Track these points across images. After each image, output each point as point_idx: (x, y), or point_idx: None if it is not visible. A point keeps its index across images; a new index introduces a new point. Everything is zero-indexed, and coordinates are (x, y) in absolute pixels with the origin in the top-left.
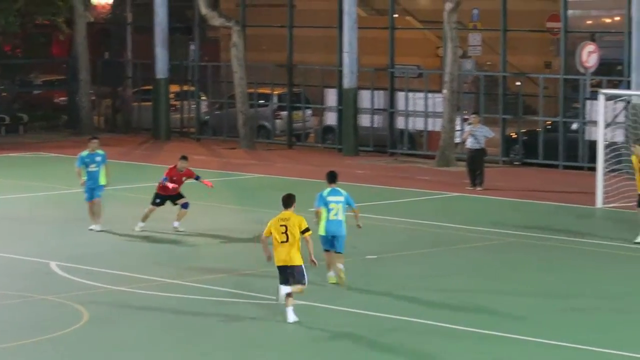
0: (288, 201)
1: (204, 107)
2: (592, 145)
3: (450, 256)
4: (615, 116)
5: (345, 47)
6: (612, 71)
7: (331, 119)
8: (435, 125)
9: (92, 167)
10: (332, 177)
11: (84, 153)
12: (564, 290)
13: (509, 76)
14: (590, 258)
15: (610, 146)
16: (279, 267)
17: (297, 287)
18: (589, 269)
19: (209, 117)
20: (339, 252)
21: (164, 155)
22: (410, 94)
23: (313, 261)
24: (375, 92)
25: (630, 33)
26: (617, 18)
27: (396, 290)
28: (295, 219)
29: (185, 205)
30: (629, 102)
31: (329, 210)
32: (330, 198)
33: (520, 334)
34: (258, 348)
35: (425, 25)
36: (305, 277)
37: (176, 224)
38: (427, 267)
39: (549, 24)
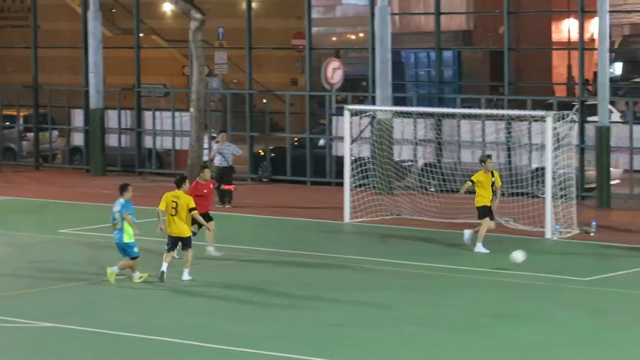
0: (180, 182)
1: None
2: (339, 160)
3: (200, 274)
4: (361, 132)
5: (91, 67)
6: (357, 87)
7: (78, 139)
8: (183, 144)
9: None
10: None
11: None
12: (316, 306)
13: (255, 94)
14: (340, 272)
15: (357, 161)
16: (171, 237)
17: (188, 254)
18: (340, 284)
19: None
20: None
21: None
22: (158, 113)
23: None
24: (123, 111)
25: (374, 49)
26: (361, 34)
27: (153, 310)
28: (184, 199)
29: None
30: (374, 118)
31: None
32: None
33: (275, 350)
34: None
35: (171, 44)
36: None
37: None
38: (168, 285)
39: (294, 42)
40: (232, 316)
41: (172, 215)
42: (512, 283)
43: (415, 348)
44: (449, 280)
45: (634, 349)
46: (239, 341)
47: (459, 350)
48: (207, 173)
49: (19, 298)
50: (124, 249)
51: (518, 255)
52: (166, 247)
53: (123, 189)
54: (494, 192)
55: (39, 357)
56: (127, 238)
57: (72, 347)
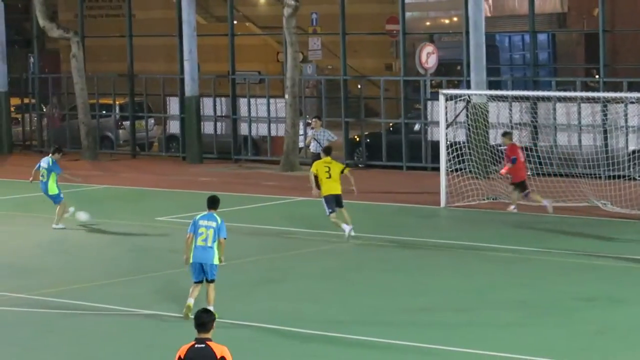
0: (328, 150)
1: (47, 119)
2: (435, 145)
3: (298, 260)
4: (456, 116)
5: (186, 55)
6: (451, 71)
7: (174, 127)
8: (279, 130)
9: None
10: (210, 203)
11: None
12: (406, 290)
13: (350, 79)
14: (436, 257)
15: (453, 146)
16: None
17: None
18: (434, 268)
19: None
20: (210, 281)
21: (6, 169)
22: (253, 100)
23: None
24: (218, 99)
25: (467, 33)
26: (455, 19)
27: (246, 297)
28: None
29: (526, 195)
30: (469, 102)
31: (197, 236)
32: (201, 222)
33: (366, 335)
34: None
35: (265, 31)
36: None
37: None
38: (275, 272)
39: (388, 26)
40: (321, 300)
41: (327, 178)
42: (607, 266)
43: (507, 332)
44: (541, 264)
45: None
46: (327, 326)
47: (553, 335)
48: (506, 138)
49: (115, 285)
50: (52, 198)
51: (81, 216)
52: (328, 212)
53: (57, 150)
54: None
55: (136, 345)
56: (52, 191)
57: (167, 335)
